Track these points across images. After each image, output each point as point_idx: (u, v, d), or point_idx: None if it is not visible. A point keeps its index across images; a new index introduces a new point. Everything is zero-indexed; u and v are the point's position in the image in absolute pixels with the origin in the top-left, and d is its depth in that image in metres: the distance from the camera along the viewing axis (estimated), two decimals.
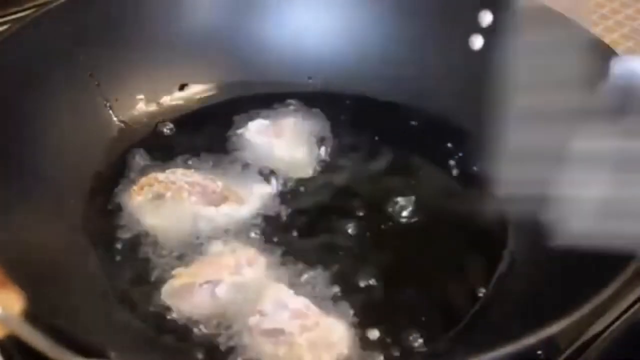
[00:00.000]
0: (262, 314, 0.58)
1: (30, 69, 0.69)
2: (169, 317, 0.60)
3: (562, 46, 0.62)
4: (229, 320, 0.59)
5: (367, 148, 0.79)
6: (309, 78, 0.85)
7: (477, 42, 0.79)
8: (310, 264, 0.64)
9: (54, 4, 0.73)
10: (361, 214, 0.70)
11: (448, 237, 0.69)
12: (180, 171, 0.71)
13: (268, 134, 0.77)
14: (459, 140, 0.78)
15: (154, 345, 0.58)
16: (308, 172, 0.75)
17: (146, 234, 0.66)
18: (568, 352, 0.59)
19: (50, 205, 0.65)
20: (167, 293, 0.61)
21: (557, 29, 0.68)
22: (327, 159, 0.77)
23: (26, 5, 0.91)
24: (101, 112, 0.77)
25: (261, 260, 0.64)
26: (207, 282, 0.60)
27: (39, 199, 0.64)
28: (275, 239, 0.67)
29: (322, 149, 0.78)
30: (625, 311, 0.62)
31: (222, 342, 0.58)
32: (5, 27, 0.73)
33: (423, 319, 0.61)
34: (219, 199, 0.69)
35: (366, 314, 0.60)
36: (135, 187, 0.70)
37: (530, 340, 0.47)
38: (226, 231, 0.67)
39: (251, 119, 0.79)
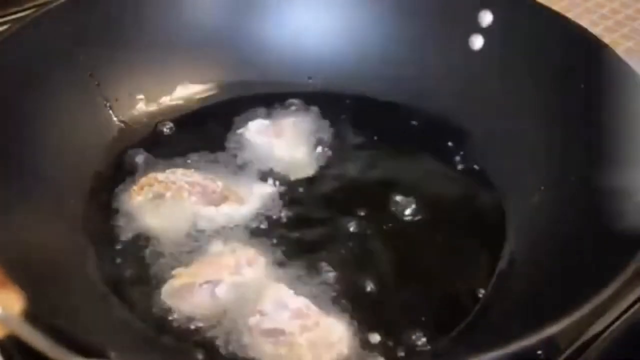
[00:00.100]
0: (262, 313, 0.58)
1: (30, 69, 0.69)
2: (169, 317, 0.60)
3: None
4: (229, 320, 0.59)
5: (367, 148, 0.79)
6: (309, 78, 0.85)
7: (477, 42, 0.79)
8: (311, 263, 0.64)
9: (54, 4, 0.73)
10: (361, 214, 0.70)
11: (448, 237, 0.69)
12: (180, 171, 0.71)
13: (268, 134, 0.77)
14: (459, 140, 0.78)
15: (154, 345, 0.58)
16: (308, 172, 0.75)
17: (146, 234, 0.66)
18: (568, 352, 0.58)
19: (50, 205, 0.65)
20: (167, 293, 0.61)
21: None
22: (327, 159, 0.77)
23: (26, 5, 0.91)
24: (101, 112, 0.77)
25: (261, 260, 0.64)
26: (207, 282, 0.60)
27: (39, 199, 0.64)
28: (275, 239, 0.67)
29: (322, 149, 0.78)
30: (625, 311, 0.62)
31: (222, 342, 0.58)
32: (5, 27, 0.73)
33: (423, 318, 0.61)
34: (219, 199, 0.69)
35: (367, 313, 0.60)
36: (135, 187, 0.70)
37: (530, 340, 0.47)
38: (226, 231, 0.67)
39: (251, 119, 0.79)
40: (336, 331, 0.58)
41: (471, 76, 0.80)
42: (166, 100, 0.82)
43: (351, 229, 0.68)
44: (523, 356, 0.47)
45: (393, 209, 0.71)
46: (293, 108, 0.82)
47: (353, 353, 0.57)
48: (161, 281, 0.62)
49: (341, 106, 0.83)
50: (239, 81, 0.84)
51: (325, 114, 0.81)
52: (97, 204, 0.69)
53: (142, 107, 0.80)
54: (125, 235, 0.66)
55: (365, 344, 0.58)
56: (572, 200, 0.66)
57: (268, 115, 0.80)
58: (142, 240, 0.66)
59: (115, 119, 0.78)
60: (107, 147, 0.75)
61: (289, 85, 0.84)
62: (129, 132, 0.78)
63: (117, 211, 0.69)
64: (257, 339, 0.57)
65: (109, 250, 0.65)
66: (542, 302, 0.58)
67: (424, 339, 0.59)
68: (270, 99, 0.82)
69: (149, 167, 0.73)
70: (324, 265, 0.64)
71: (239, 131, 0.78)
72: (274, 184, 0.72)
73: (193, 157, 0.74)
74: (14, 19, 0.88)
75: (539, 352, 0.57)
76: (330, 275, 0.63)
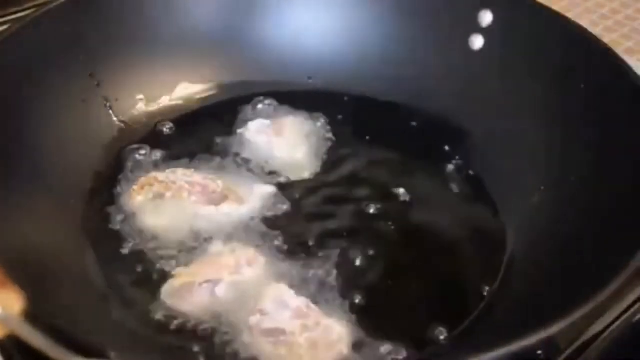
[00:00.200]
0: (262, 313, 0.58)
1: (30, 69, 0.69)
2: (169, 317, 0.59)
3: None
4: (229, 320, 0.59)
5: (367, 148, 0.79)
6: (309, 78, 0.85)
7: (477, 42, 0.79)
8: (311, 263, 0.64)
9: (54, 4, 0.73)
10: (361, 214, 0.70)
11: (448, 237, 0.69)
12: (180, 171, 0.71)
13: (268, 133, 0.77)
14: (459, 140, 0.78)
15: (154, 345, 0.58)
16: (308, 172, 0.75)
17: (146, 234, 0.66)
18: (568, 352, 0.58)
19: (50, 205, 0.65)
20: (167, 293, 0.61)
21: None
22: (327, 158, 0.77)
23: (26, 5, 0.91)
24: (101, 112, 0.77)
25: (261, 260, 0.64)
26: (207, 281, 0.60)
27: (39, 199, 0.64)
28: (275, 239, 0.67)
29: (322, 148, 0.78)
30: (625, 311, 0.62)
31: (222, 342, 0.58)
32: (5, 27, 0.73)
33: (424, 318, 0.61)
34: (219, 199, 0.69)
35: (368, 314, 0.60)
36: (135, 187, 0.70)
37: (530, 340, 0.47)
38: (226, 231, 0.67)
39: (251, 119, 0.79)
40: (336, 331, 0.58)
41: (471, 76, 0.80)
42: (166, 100, 0.82)
43: (351, 229, 0.68)
44: (523, 356, 0.47)
45: (393, 209, 0.71)
46: (293, 108, 0.82)
47: (353, 353, 0.57)
48: (161, 281, 0.62)
49: (341, 106, 0.83)
50: (239, 81, 0.84)
51: (325, 114, 0.81)
52: (97, 204, 0.69)
53: (142, 107, 0.80)
54: (125, 235, 0.66)
55: (366, 344, 0.58)
56: (572, 200, 0.66)
57: (268, 115, 0.80)
58: (142, 240, 0.66)
59: (115, 119, 0.78)
60: (107, 147, 0.75)
61: (289, 85, 0.84)
62: (129, 132, 0.78)
63: (117, 211, 0.69)
64: (257, 339, 0.57)
65: (109, 250, 0.65)
66: (542, 302, 0.58)
67: (425, 339, 0.59)
68: (270, 99, 0.82)
69: (149, 167, 0.73)
70: (324, 265, 0.64)
71: (239, 131, 0.78)
72: (274, 184, 0.72)
73: (193, 157, 0.74)
74: (14, 19, 0.88)
75: (539, 352, 0.57)
76: (331, 275, 0.63)
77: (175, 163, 0.73)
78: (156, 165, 0.73)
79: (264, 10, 0.85)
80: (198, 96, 0.83)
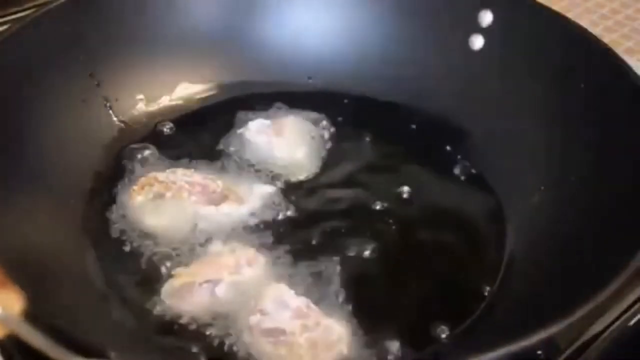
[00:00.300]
0: (263, 313, 0.58)
1: (30, 69, 0.69)
2: (169, 317, 0.60)
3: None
4: (229, 320, 0.59)
5: (367, 148, 0.79)
6: (309, 78, 0.85)
7: (477, 42, 0.79)
8: (311, 263, 0.64)
9: (54, 4, 0.73)
10: (362, 214, 0.70)
11: (448, 237, 0.69)
12: (180, 171, 0.71)
13: (268, 133, 0.77)
14: (459, 140, 0.78)
15: (154, 345, 0.58)
16: (308, 171, 0.75)
17: (146, 234, 0.66)
18: (568, 352, 0.58)
19: (50, 205, 0.65)
20: (167, 293, 0.61)
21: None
22: (327, 158, 0.77)
23: (26, 5, 0.91)
24: (101, 112, 0.77)
25: (261, 260, 0.64)
26: (207, 281, 0.60)
27: (39, 199, 0.64)
28: (275, 239, 0.67)
29: (322, 148, 0.78)
30: (625, 311, 0.62)
31: (222, 342, 0.58)
32: (5, 27, 0.73)
33: (425, 319, 0.61)
34: (219, 199, 0.69)
35: (368, 313, 0.60)
36: (135, 187, 0.70)
37: (530, 340, 0.47)
38: (226, 231, 0.67)
39: (251, 119, 0.79)
40: (336, 331, 0.58)
41: (471, 76, 0.80)
42: (166, 100, 0.82)
43: (351, 229, 0.68)
44: (523, 356, 0.47)
45: (393, 208, 0.71)
46: (293, 108, 0.82)
47: (353, 353, 0.57)
48: (161, 281, 0.62)
49: (341, 106, 0.83)
50: (239, 81, 0.84)
51: (325, 114, 0.81)
52: (97, 204, 0.69)
53: (142, 107, 0.80)
54: (125, 235, 0.66)
55: (367, 344, 0.58)
56: (572, 200, 0.66)
57: (268, 115, 0.80)
58: (142, 240, 0.66)
59: (115, 119, 0.78)
60: (107, 147, 0.75)
61: (289, 85, 0.84)
62: (129, 132, 0.78)
63: (117, 211, 0.69)
64: (257, 339, 0.57)
65: (109, 250, 0.65)
66: (542, 302, 0.58)
67: (426, 339, 0.59)
68: (270, 99, 0.82)
69: (149, 167, 0.73)
70: (324, 264, 0.64)
71: (239, 131, 0.78)
72: (274, 184, 0.72)
73: (193, 157, 0.74)
74: (14, 19, 0.88)
75: (539, 352, 0.58)
76: (331, 274, 0.63)
77: (175, 163, 0.73)
78: (156, 165, 0.73)
79: (264, 10, 0.85)
80: (198, 96, 0.83)
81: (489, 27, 0.78)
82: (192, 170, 0.72)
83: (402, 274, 0.65)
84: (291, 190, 0.72)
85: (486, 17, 0.78)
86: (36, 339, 0.44)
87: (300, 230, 0.68)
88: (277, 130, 0.77)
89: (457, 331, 0.60)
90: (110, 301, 0.61)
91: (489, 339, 0.53)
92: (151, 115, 0.80)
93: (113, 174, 0.72)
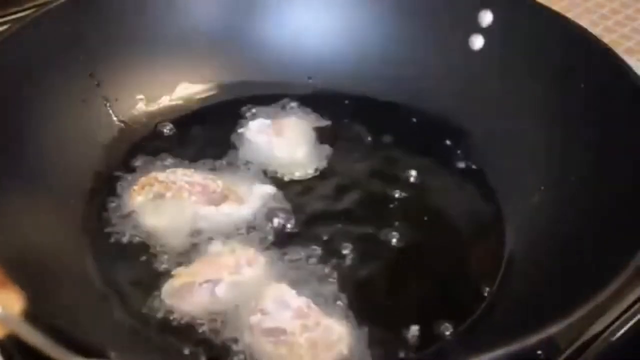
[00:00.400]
0: (263, 312, 0.58)
1: (30, 69, 0.69)
2: (169, 317, 0.60)
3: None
4: (229, 320, 0.59)
5: (367, 148, 0.79)
6: (309, 78, 0.85)
7: (477, 42, 0.79)
8: (311, 263, 0.64)
9: (54, 4, 0.73)
10: (362, 213, 0.70)
11: (448, 237, 0.69)
12: (180, 171, 0.71)
13: (268, 133, 0.77)
14: (459, 140, 0.79)
15: (154, 345, 0.58)
16: (308, 171, 0.75)
17: (146, 234, 0.66)
18: (568, 352, 0.58)
19: (50, 205, 0.65)
20: (167, 293, 0.61)
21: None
22: (327, 158, 0.77)
23: (26, 5, 0.91)
24: (101, 112, 0.77)
25: (261, 260, 0.64)
26: (207, 281, 0.60)
27: (39, 199, 0.64)
28: (275, 239, 0.67)
29: (322, 148, 0.78)
30: (625, 311, 0.62)
31: (223, 342, 0.58)
32: (5, 27, 0.73)
33: (425, 319, 0.61)
34: (219, 199, 0.69)
35: (368, 313, 0.60)
36: (135, 187, 0.70)
37: (530, 340, 0.47)
38: (226, 231, 0.67)
39: (251, 119, 0.79)
40: (337, 331, 0.58)
41: (471, 76, 0.80)
42: (166, 100, 0.82)
43: (351, 229, 0.68)
44: (523, 356, 0.47)
45: (393, 208, 0.71)
46: (293, 108, 0.82)
47: (353, 353, 0.57)
48: (161, 281, 0.62)
49: (341, 106, 0.83)
50: (239, 81, 0.84)
51: (325, 114, 0.81)
52: (97, 204, 0.69)
53: (142, 107, 0.80)
54: (125, 235, 0.66)
55: (367, 344, 0.58)
56: (572, 200, 0.66)
57: (268, 115, 0.80)
58: (142, 240, 0.66)
59: (115, 119, 0.78)
60: (107, 147, 0.75)
61: (289, 85, 0.84)
62: (129, 132, 0.78)
63: (117, 211, 0.69)
64: (257, 338, 0.57)
65: (108, 250, 0.65)
66: (542, 302, 0.58)
67: (426, 339, 0.59)
68: (270, 99, 0.82)
69: (149, 167, 0.73)
70: (324, 264, 0.64)
71: (239, 131, 0.78)
72: (274, 184, 0.72)
73: (193, 157, 0.74)
74: (14, 19, 0.88)
75: (539, 352, 0.57)
76: (331, 274, 0.63)
77: (175, 163, 0.73)
78: (156, 165, 0.73)
79: (264, 10, 0.85)
80: (198, 96, 0.83)
81: (489, 27, 0.78)
82: (192, 170, 0.72)
83: (402, 274, 0.65)
84: (291, 190, 0.72)
85: (486, 17, 0.78)
86: (36, 339, 0.44)
87: (300, 230, 0.68)
88: (277, 130, 0.77)
89: (457, 331, 0.60)
90: (110, 301, 0.61)
91: (489, 339, 0.53)
92: (151, 115, 0.80)
93: (113, 174, 0.72)
